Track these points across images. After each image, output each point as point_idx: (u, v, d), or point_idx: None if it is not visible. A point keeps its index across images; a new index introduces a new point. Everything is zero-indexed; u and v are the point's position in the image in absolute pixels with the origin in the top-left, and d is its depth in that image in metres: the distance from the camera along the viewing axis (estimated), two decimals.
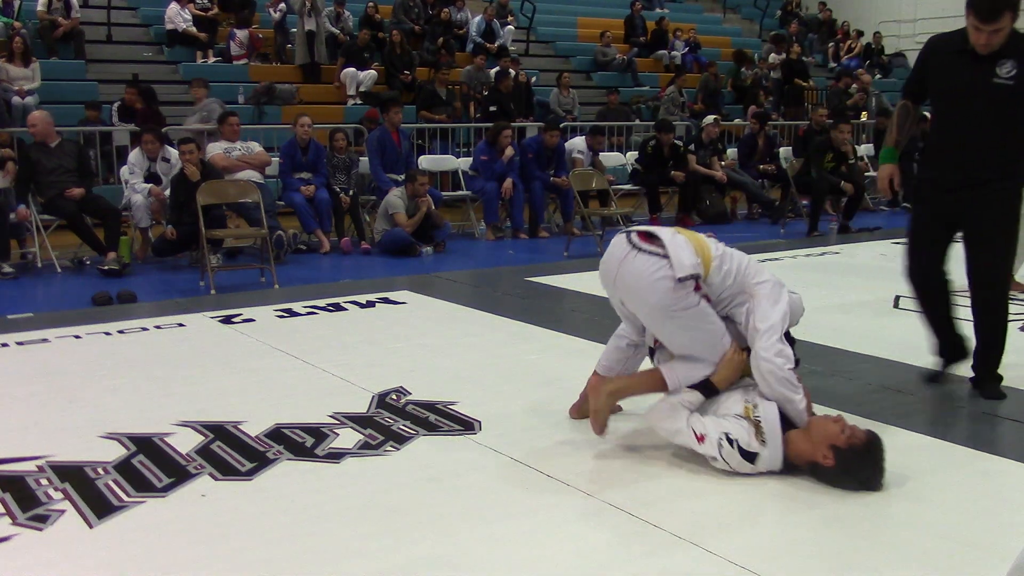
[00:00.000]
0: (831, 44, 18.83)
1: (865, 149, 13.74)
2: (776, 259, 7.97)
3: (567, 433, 3.66)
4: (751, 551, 2.64)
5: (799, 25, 18.75)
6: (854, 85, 15.51)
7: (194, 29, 12.66)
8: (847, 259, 8.18)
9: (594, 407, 3.44)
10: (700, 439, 3.18)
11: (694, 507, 2.95)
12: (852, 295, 6.44)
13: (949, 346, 4.25)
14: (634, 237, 3.33)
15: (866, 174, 11.91)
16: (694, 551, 2.65)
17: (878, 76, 17.65)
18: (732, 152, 12.11)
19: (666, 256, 3.22)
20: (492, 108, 11.92)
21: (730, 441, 3.14)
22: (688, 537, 2.72)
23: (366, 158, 9.71)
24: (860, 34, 19.11)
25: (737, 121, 13.83)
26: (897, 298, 6.10)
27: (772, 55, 16.69)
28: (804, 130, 12.14)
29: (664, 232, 3.35)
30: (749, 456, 3.13)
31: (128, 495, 3.04)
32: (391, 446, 3.49)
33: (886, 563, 2.58)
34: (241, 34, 12.81)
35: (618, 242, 3.37)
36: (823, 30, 19.37)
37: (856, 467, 3.06)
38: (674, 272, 3.19)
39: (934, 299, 4.22)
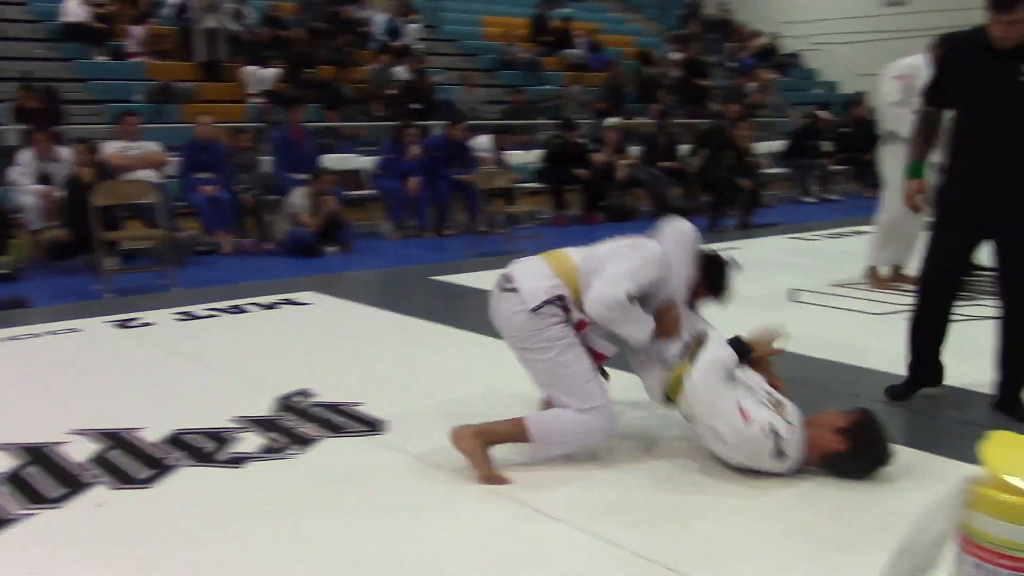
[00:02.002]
0: (730, 44, 19.21)
1: (764, 146, 14.07)
2: None
3: None
4: (652, 541, 2.68)
5: (700, 25, 19.08)
6: (753, 84, 15.87)
7: (95, 23, 12.31)
8: (747, 254, 8.34)
9: (466, 454, 3.18)
10: (745, 417, 3.02)
11: (607, 497, 2.98)
12: (752, 289, 6.57)
13: (927, 366, 3.98)
14: (500, 278, 3.32)
15: (763, 171, 12.20)
16: (598, 544, 2.68)
17: (775, 75, 18.07)
18: (635, 150, 12.27)
19: (516, 290, 3.20)
20: (417, 107, 11.90)
21: (774, 433, 3.02)
22: (591, 528, 2.75)
23: (268, 157, 9.57)
24: (759, 34, 19.56)
25: (639, 119, 14.01)
26: (792, 291, 6.26)
27: (673, 54, 16.95)
28: (709, 128, 12.37)
29: (517, 265, 3.34)
30: (780, 456, 3.04)
31: (19, 507, 2.94)
32: (295, 449, 3.45)
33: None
34: (138, 30, 12.47)
35: (493, 289, 3.36)
36: (723, 30, 19.75)
37: (868, 443, 3.07)
38: (525, 304, 3.17)
39: (938, 310, 3.90)
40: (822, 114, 14.04)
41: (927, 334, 3.94)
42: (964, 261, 3.87)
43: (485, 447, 3.17)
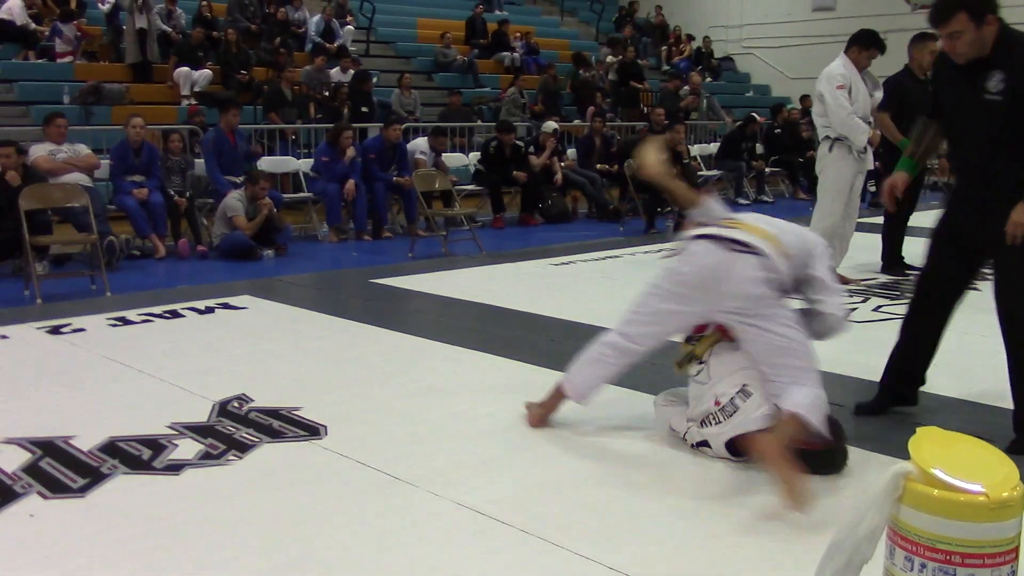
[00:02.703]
0: (664, 47, 19.43)
1: (698, 149, 14.26)
2: (616, 256, 8.18)
3: (414, 434, 3.66)
4: (595, 543, 2.71)
5: (634, 29, 19.27)
6: (686, 87, 16.07)
7: (30, 23, 12.04)
8: None
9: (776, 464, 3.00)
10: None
11: (542, 501, 3.00)
12: None
13: (905, 381, 3.88)
14: (723, 238, 3.35)
15: (699, 173, 12.35)
16: (540, 544, 2.69)
17: (708, 79, 18.31)
18: (572, 152, 12.35)
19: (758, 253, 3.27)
20: (364, 109, 11.85)
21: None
22: (535, 532, 2.77)
23: (202, 159, 9.44)
24: (691, 38, 19.80)
25: (576, 122, 14.10)
26: None
27: (608, 57, 17.09)
28: (644, 131, 12.49)
29: (736, 230, 3.38)
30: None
31: None
32: (233, 455, 3.41)
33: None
34: (67, 30, 12.21)
35: (713, 247, 3.36)
36: (656, 34, 19.96)
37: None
38: (769, 271, 3.24)
39: (927, 317, 3.77)
40: (755, 117, 14.26)
41: (913, 353, 3.81)
42: (958, 281, 3.70)
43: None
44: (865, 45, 6.43)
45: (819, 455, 3.15)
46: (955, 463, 1.37)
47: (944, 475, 1.33)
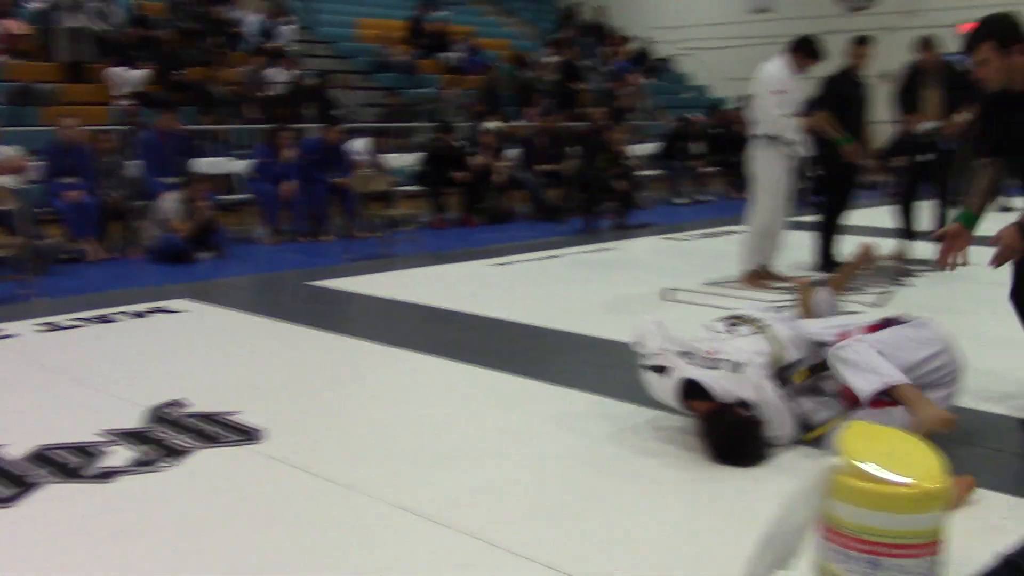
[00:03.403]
0: (604, 48, 19.54)
1: (638, 149, 14.35)
2: (556, 256, 8.21)
3: (352, 437, 3.63)
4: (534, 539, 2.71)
5: (574, 30, 19.35)
6: (625, 88, 16.18)
7: None
8: (622, 255, 8.51)
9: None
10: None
11: (484, 502, 2.99)
12: (627, 289, 6.71)
13: None
14: None
15: (639, 172, 12.44)
16: (482, 546, 2.69)
17: (648, 80, 18.46)
18: (513, 152, 12.36)
19: None
20: (331, 111, 11.80)
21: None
22: (476, 533, 2.76)
23: (136, 161, 9.27)
24: (631, 39, 19.95)
25: (517, 122, 14.11)
26: (666, 291, 6.41)
27: (549, 58, 17.14)
28: (584, 131, 12.54)
29: None
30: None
31: None
32: (168, 461, 3.35)
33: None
34: None
35: None
36: (597, 35, 20.07)
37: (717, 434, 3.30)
38: None
39: None
40: (693, 117, 14.42)
41: None
42: None
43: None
44: (807, 53, 6.55)
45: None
46: (882, 457, 1.39)
47: (871, 469, 1.35)
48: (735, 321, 3.61)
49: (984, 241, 3.57)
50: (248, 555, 2.65)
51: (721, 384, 3.30)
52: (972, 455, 3.31)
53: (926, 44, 7.41)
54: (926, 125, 7.35)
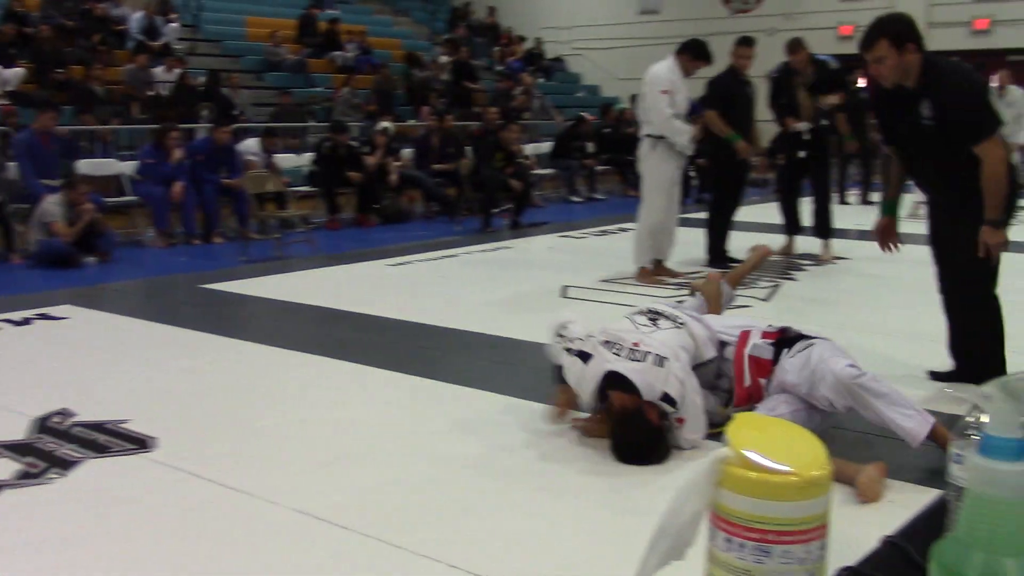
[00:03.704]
0: (497, 48, 19.62)
1: (532, 148, 14.47)
2: (453, 255, 8.22)
3: (248, 442, 3.59)
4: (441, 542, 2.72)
5: (467, 29, 19.38)
6: (518, 88, 16.28)
7: None
8: (519, 254, 8.58)
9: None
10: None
11: (382, 503, 2.99)
12: (523, 287, 6.77)
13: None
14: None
15: (533, 171, 12.55)
16: (382, 547, 2.69)
17: (540, 79, 18.62)
18: (407, 152, 12.32)
19: None
20: (235, 112, 11.53)
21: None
22: (376, 535, 2.75)
23: (14, 163, 8.93)
24: (523, 39, 20.07)
25: (411, 122, 14.08)
26: (563, 288, 6.49)
27: (442, 57, 17.13)
28: (479, 130, 12.57)
29: None
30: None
31: None
32: (55, 473, 3.25)
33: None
34: None
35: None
36: (489, 35, 20.14)
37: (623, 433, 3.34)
38: None
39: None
40: (585, 116, 14.59)
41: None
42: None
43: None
44: (696, 55, 6.70)
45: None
46: (769, 446, 1.44)
47: (758, 458, 1.40)
48: (654, 315, 3.63)
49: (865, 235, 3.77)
50: (145, 565, 2.60)
51: (645, 378, 3.29)
52: (842, 438, 3.44)
53: (796, 45, 7.63)
54: (799, 125, 7.59)
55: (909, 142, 3.90)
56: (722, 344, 3.61)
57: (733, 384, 3.53)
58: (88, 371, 4.59)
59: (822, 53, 7.91)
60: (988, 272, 3.89)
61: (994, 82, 10.86)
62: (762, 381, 3.45)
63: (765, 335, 3.55)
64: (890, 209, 4.22)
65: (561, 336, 3.61)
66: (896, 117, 3.90)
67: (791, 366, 3.36)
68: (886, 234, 4.18)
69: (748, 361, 3.49)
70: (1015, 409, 1.02)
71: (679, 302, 4.30)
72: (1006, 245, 3.82)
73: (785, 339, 3.50)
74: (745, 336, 3.58)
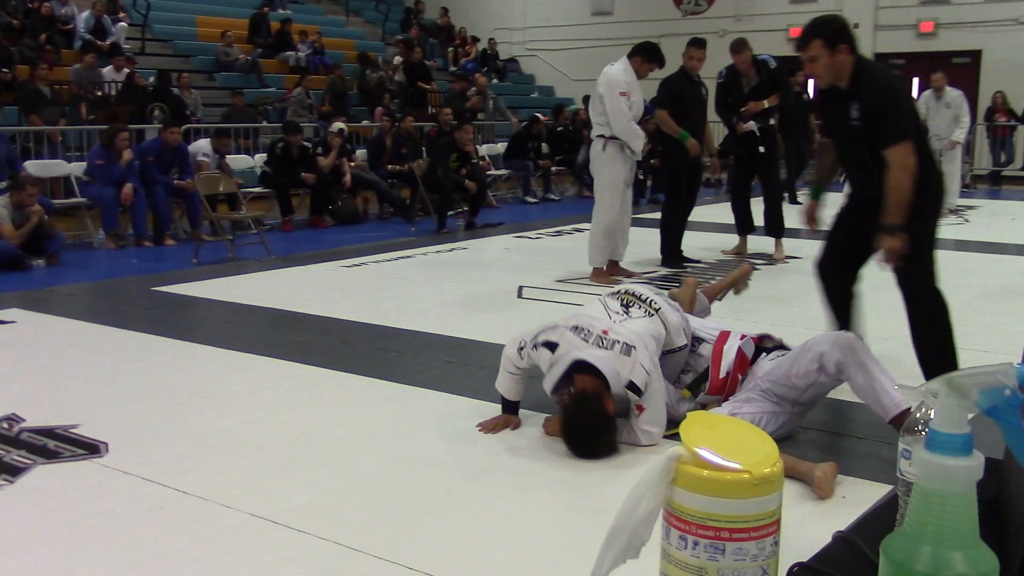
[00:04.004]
0: (450, 49, 19.61)
1: (486, 149, 14.47)
2: (408, 256, 8.20)
3: (202, 446, 3.55)
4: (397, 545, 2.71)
5: (420, 30, 19.34)
6: (472, 88, 16.28)
7: None
8: (475, 254, 8.57)
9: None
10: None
11: (338, 506, 2.98)
12: (479, 287, 6.77)
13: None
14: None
15: (488, 172, 12.55)
16: (339, 550, 2.68)
17: (494, 80, 18.63)
18: (361, 153, 12.27)
19: None
20: (186, 112, 11.40)
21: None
22: (333, 538, 2.74)
23: None
24: (476, 40, 20.08)
25: (365, 123, 14.03)
26: (520, 288, 6.50)
27: (396, 58, 17.08)
28: (433, 131, 12.55)
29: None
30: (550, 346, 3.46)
31: None
32: (4, 479, 3.20)
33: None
34: None
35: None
36: (443, 35, 20.12)
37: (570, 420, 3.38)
38: None
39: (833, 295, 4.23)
40: (539, 117, 14.63)
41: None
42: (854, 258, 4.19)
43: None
44: (648, 58, 6.75)
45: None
46: (721, 444, 1.46)
47: (710, 456, 1.41)
48: (628, 300, 3.64)
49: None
50: (96, 572, 2.56)
51: (612, 365, 3.32)
52: (803, 436, 3.49)
53: (739, 45, 7.71)
54: (748, 125, 7.67)
55: (841, 140, 4.04)
56: (697, 340, 3.65)
57: (705, 376, 3.59)
58: (37, 376, 4.52)
59: (767, 53, 7.99)
60: (922, 269, 3.92)
61: (934, 83, 11.02)
62: (740, 377, 3.51)
63: (746, 337, 3.63)
64: (816, 194, 4.36)
65: (534, 334, 3.60)
66: (832, 115, 4.02)
67: (769, 366, 3.45)
68: (810, 215, 4.31)
69: (736, 354, 3.57)
70: (961, 405, 1.04)
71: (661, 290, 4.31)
72: (915, 250, 3.79)
73: (764, 347, 3.61)
74: (725, 335, 3.64)
